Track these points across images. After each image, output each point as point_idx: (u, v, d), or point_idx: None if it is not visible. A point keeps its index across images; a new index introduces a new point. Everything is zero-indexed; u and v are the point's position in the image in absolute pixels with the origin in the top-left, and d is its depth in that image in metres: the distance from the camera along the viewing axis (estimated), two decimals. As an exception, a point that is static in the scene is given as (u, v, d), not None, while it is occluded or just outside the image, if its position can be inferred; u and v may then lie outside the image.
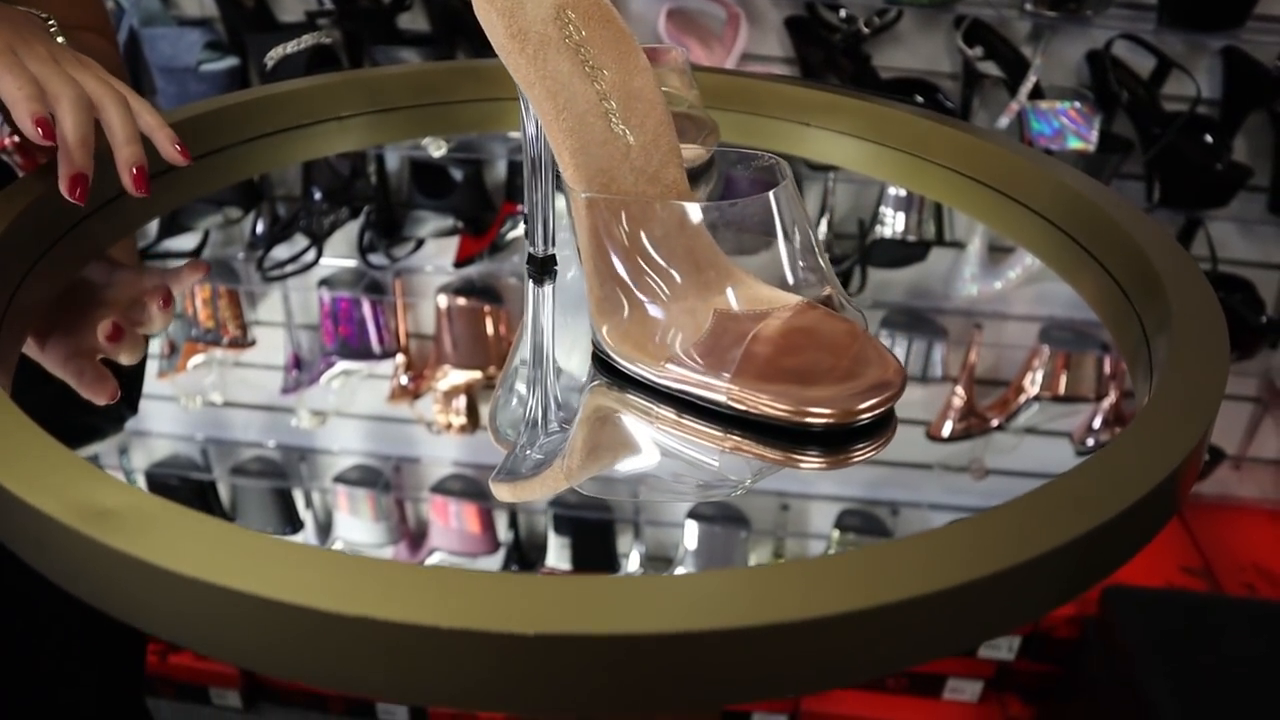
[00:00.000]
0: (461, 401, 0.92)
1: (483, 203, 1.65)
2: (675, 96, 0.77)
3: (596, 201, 0.56)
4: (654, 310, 0.55)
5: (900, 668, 0.38)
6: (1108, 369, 0.78)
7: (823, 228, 1.43)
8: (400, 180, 1.01)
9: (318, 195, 0.98)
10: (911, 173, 0.84)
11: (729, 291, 0.56)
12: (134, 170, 0.60)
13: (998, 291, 0.77)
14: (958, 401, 0.78)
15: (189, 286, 0.75)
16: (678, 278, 0.56)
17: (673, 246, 0.56)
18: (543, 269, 0.71)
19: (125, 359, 0.58)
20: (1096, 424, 0.76)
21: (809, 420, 0.51)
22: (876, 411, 0.51)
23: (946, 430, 0.76)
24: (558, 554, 0.88)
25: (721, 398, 0.52)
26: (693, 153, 0.74)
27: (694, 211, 0.56)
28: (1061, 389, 0.82)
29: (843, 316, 0.56)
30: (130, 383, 0.62)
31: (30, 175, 0.63)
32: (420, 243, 1.69)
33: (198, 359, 0.81)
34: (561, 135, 0.58)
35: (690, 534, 0.79)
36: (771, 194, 0.55)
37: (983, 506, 0.49)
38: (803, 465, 0.52)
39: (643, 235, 0.56)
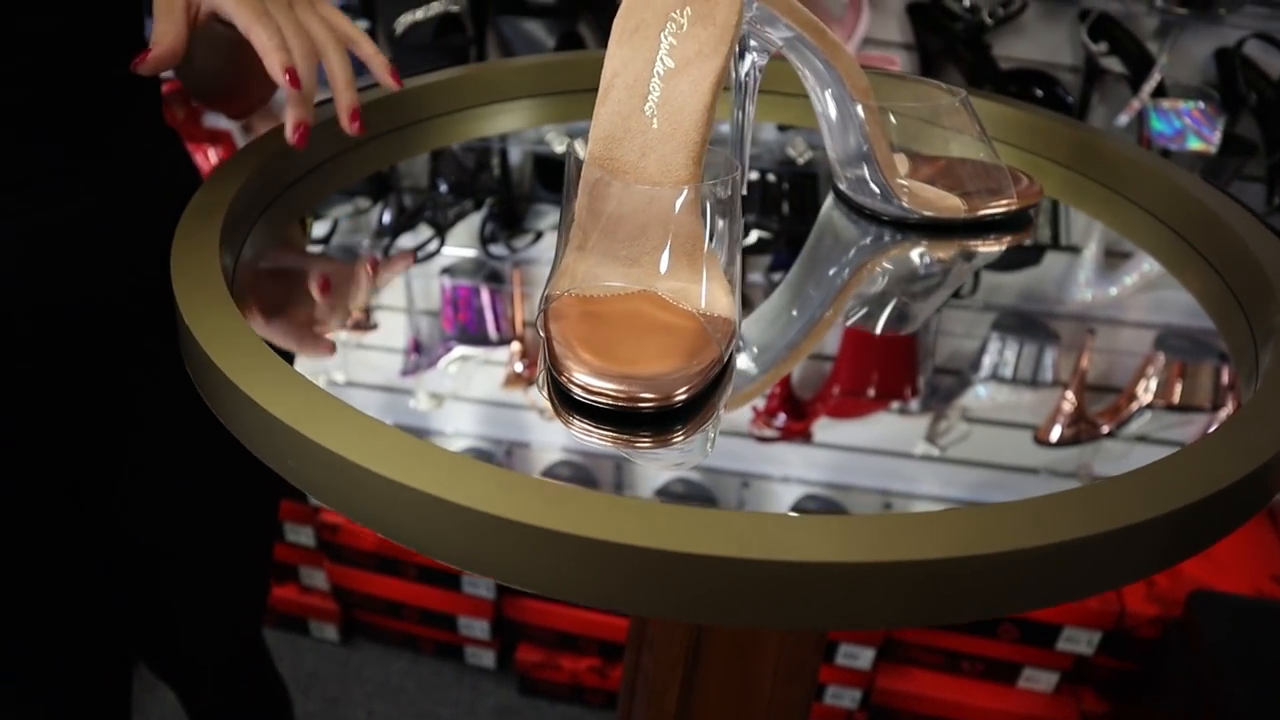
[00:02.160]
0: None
1: None
2: (965, 142, 0.79)
3: (570, 153, 0.63)
4: (569, 267, 0.60)
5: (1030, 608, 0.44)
6: (1225, 379, 0.78)
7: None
8: (522, 174, 1.04)
9: (443, 187, 1.03)
10: (1029, 170, 0.85)
11: (646, 280, 0.58)
12: (350, 112, 0.68)
13: (1112, 297, 0.77)
14: (1067, 406, 0.79)
15: (400, 274, 0.81)
16: (607, 251, 0.59)
17: (620, 222, 0.59)
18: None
19: (334, 325, 0.65)
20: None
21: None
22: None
23: (1055, 435, 0.77)
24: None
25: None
26: (948, 204, 0.78)
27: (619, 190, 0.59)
28: (1176, 397, 0.82)
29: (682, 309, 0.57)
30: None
31: (245, 149, 0.72)
32: (539, 235, 1.74)
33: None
34: (601, 94, 0.63)
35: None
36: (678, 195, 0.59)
37: None
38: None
39: (596, 203, 0.59)
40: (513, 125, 0.94)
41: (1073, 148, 0.87)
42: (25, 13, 0.71)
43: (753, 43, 0.71)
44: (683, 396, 0.52)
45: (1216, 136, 1.54)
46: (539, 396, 0.60)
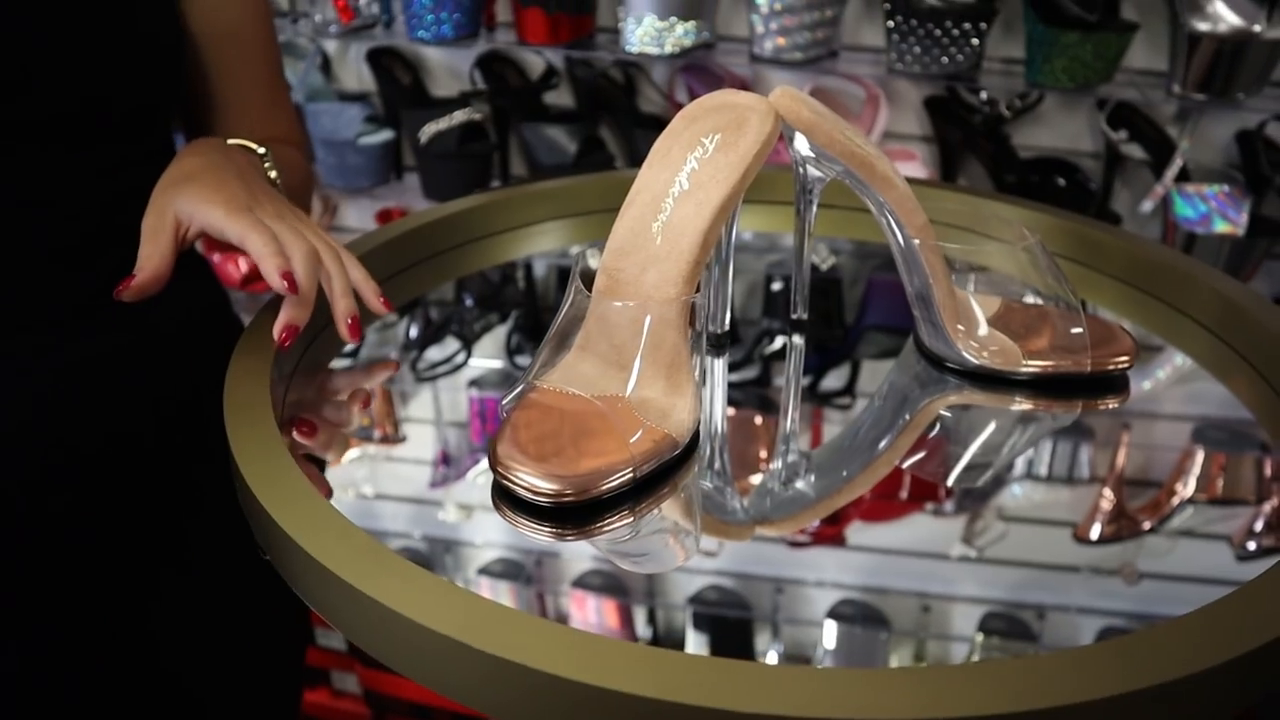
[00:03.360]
0: (663, 536, 0.94)
1: None
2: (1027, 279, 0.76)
3: (579, 260, 0.67)
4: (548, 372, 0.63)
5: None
6: (1268, 470, 0.76)
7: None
8: (547, 286, 1.05)
9: (469, 301, 1.04)
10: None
11: (619, 386, 0.62)
12: (349, 320, 0.66)
13: (1147, 391, 0.76)
14: (1106, 504, 0.77)
15: (381, 383, 0.81)
16: (600, 355, 0.63)
17: (614, 331, 0.63)
18: (718, 344, 0.78)
19: (333, 457, 0.64)
20: (1258, 527, 0.75)
21: None
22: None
23: (1095, 533, 0.76)
24: (696, 651, 0.89)
25: None
26: (1010, 359, 0.73)
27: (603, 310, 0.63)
28: (1218, 491, 0.80)
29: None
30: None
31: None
32: (421, 300, 1.76)
33: (353, 453, 0.86)
34: (623, 208, 0.67)
35: (830, 634, 0.80)
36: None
37: (1136, 612, 0.49)
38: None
39: (597, 310, 0.64)
40: (544, 247, 0.95)
41: (1092, 247, 0.87)
42: (73, 149, 0.73)
43: (812, 171, 0.72)
44: (570, 497, 0.56)
45: (1243, 218, 1.53)
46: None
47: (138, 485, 0.83)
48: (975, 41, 1.48)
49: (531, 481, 0.56)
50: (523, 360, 1.10)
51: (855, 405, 0.96)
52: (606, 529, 0.58)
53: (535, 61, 1.74)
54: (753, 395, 1.20)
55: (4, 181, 0.72)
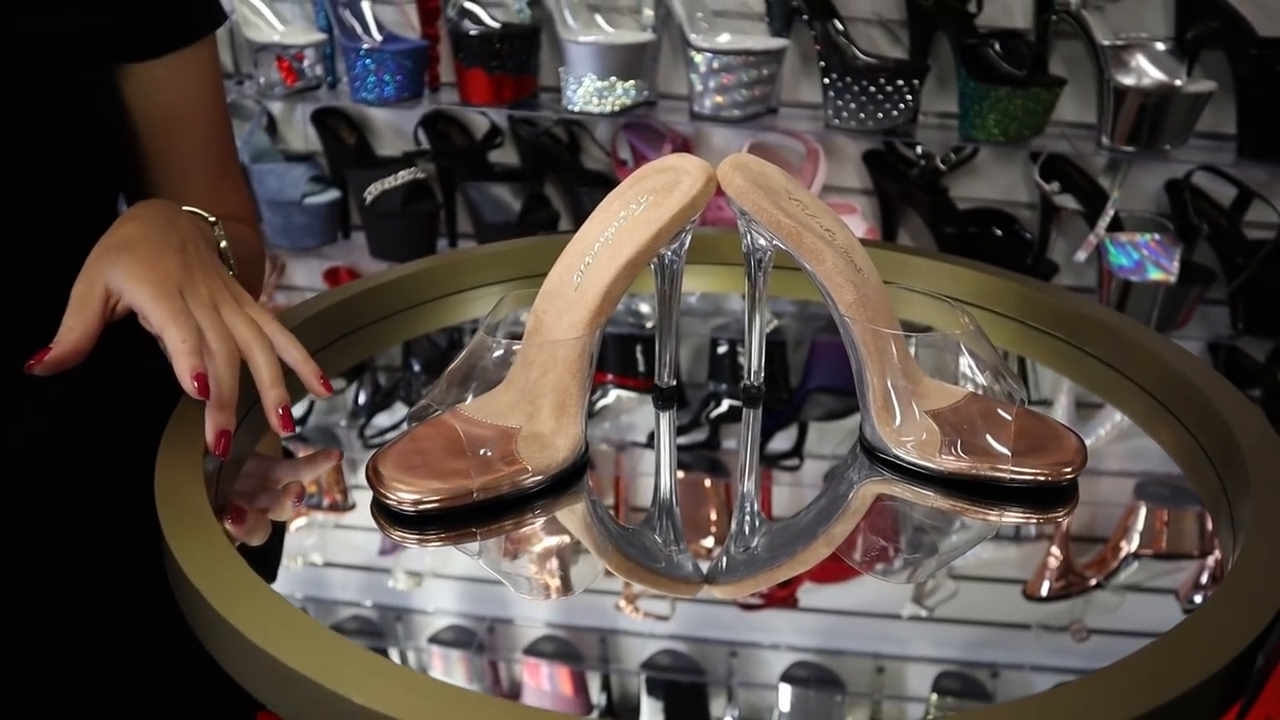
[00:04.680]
0: (554, 563, 0.95)
1: None
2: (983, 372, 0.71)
3: (501, 306, 0.71)
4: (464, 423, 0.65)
5: None
6: (1209, 525, 0.78)
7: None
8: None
9: (416, 367, 1.04)
10: (995, 332, 0.87)
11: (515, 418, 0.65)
12: (280, 411, 0.64)
13: (1088, 448, 0.78)
14: (1053, 561, 0.79)
15: (321, 474, 0.80)
16: (506, 391, 0.67)
17: (520, 371, 0.67)
18: (664, 399, 0.78)
19: (255, 541, 0.62)
20: (1203, 580, 0.77)
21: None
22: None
23: (1044, 590, 0.77)
24: (650, 717, 0.89)
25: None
26: (938, 461, 0.68)
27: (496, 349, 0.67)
28: (1163, 545, 0.82)
29: None
30: (269, 554, 0.66)
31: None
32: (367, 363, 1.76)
33: (301, 522, 0.86)
34: (560, 255, 0.69)
35: (785, 697, 0.80)
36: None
37: (1088, 668, 0.51)
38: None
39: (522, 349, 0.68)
40: (487, 310, 0.95)
41: (1031, 306, 0.89)
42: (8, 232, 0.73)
43: (755, 239, 0.73)
44: (423, 506, 0.61)
45: (1175, 265, 1.57)
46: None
47: (72, 570, 0.81)
48: (909, 98, 1.51)
49: (389, 489, 0.61)
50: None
51: (803, 467, 0.97)
52: (458, 539, 0.63)
53: (479, 120, 1.75)
54: (702, 459, 1.22)
55: None
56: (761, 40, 1.55)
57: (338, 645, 0.47)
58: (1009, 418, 0.66)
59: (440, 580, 0.88)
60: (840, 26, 1.52)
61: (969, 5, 1.53)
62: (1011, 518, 0.68)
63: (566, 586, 0.67)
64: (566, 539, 0.67)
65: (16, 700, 0.79)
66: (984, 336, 0.70)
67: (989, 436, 0.66)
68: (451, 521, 0.63)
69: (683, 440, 0.94)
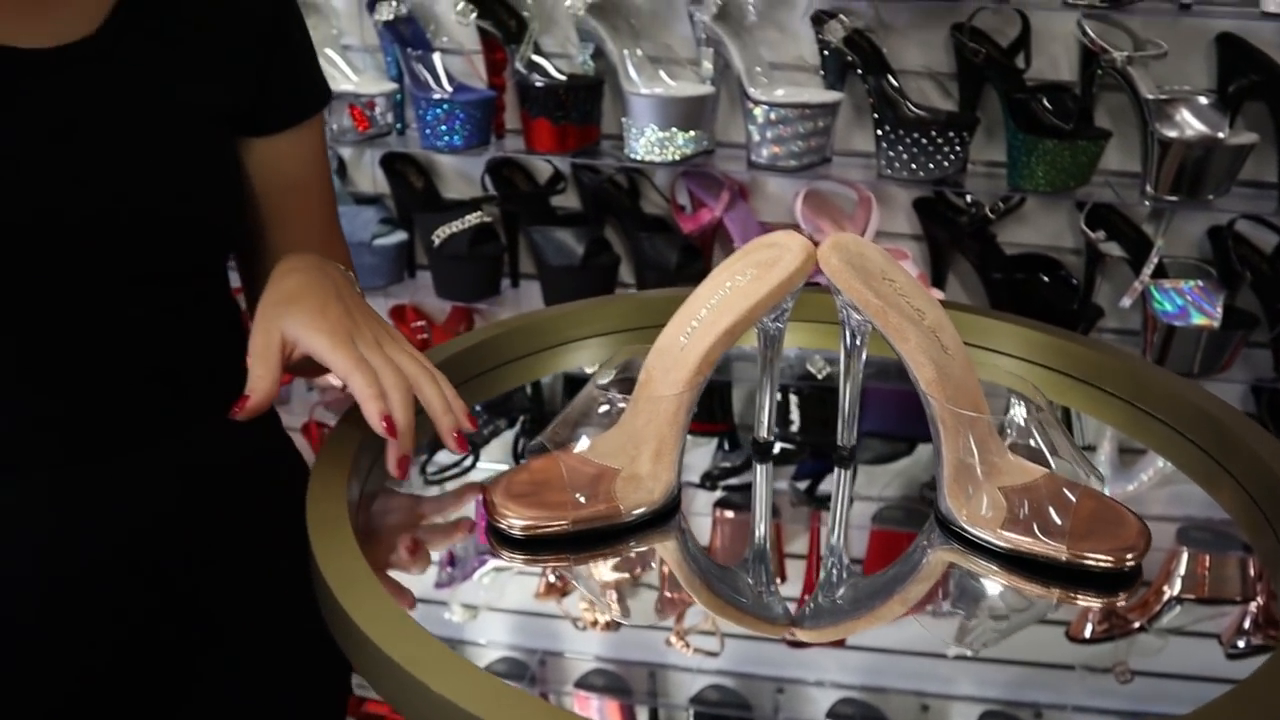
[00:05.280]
0: (610, 598, 1.01)
1: None
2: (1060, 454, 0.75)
3: (615, 358, 0.79)
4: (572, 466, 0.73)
5: None
6: (1251, 570, 0.83)
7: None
8: (553, 392, 1.11)
9: (477, 406, 1.10)
10: (1045, 385, 0.91)
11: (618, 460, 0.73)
12: (455, 435, 0.72)
13: (1130, 493, 0.82)
14: (1097, 603, 0.83)
15: (472, 503, 0.87)
16: (617, 434, 0.74)
17: (629, 417, 0.74)
18: (762, 452, 0.85)
19: (416, 571, 0.71)
20: (1246, 625, 0.81)
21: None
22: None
23: (1087, 631, 0.81)
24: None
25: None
26: (998, 536, 0.72)
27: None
28: (1205, 590, 0.86)
29: None
30: None
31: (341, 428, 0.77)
32: (475, 407, 1.83)
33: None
34: (674, 315, 0.77)
35: (830, 735, 0.85)
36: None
37: (1131, 710, 0.55)
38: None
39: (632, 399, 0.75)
40: (581, 362, 1.01)
41: (1083, 363, 0.94)
42: (136, 302, 0.80)
43: (852, 312, 0.77)
44: (527, 531, 0.70)
45: (1218, 311, 1.61)
46: (572, 606, 0.76)
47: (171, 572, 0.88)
48: (959, 149, 1.57)
49: (499, 514, 0.70)
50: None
51: (853, 507, 1.02)
52: (557, 564, 0.73)
53: (543, 166, 1.83)
54: (748, 498, 1.26)
55: (73, 322, 0.77)
56: (817, 93, 1.61)
57: (484, 678, 0.54)
58: (1074, 499, 0.70)
59: (495, 614, 0.92)
60: (893, 81, 1.59)
61: (1017, 60, 1.59)
62: (1071, 599, 0.71)
63: (643, 615, 0.74)
64: (658, 571, 0.73)
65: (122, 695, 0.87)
66: (1057, 418, 0.75)
67: (1054, 517, 0.69)
68: (553, 548, 0.71)
69: (734, 481, 0.99)
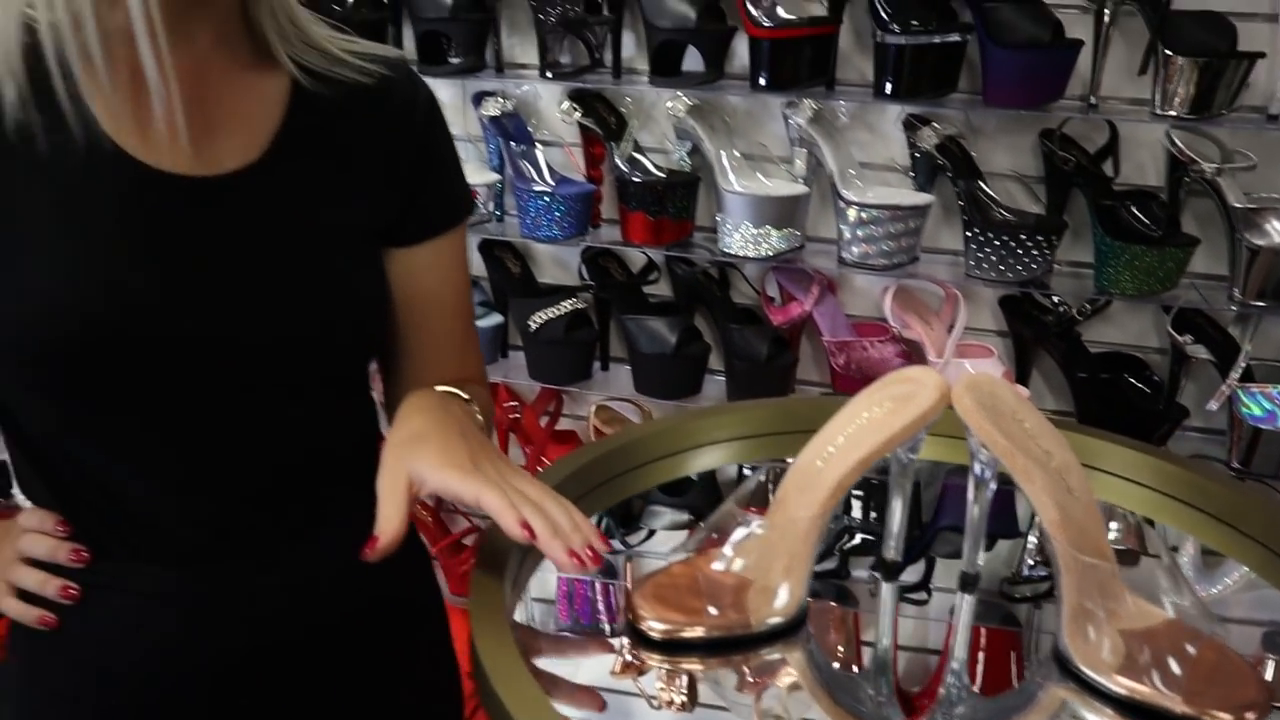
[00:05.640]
0: (683, 680, 1.06)
1: (716, 502, 1.80)
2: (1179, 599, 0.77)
3: (754, 477, 0.84)
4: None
5: None
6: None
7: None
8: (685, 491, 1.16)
9: (603, 518, 1.15)
10: (1124, 496, 0.94)
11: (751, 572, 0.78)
12: (589, 551, 0.73)
13: (1215, 597, 0.84)
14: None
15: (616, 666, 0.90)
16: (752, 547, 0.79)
17: (770, 543, 0.79)
18: (889, 571, 0.89)
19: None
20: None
21: None
22: None
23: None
24: None
25: None
26: (1115, 682, 0.73)
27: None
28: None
29: None
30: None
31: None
32: (652, 532, 1.88)
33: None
34: (813, 438, 0.82)
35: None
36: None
37: None
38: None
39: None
40: (711, 464, 1.05)
41: (1167, 478, 0.95)
42: (283, 409, 0.86)
43: (985, 450, 0.80)
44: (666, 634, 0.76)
45: (1306, 416, 1.62)
46: (649, 685, 0.83)
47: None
48: (1047, 251, 1.60)
49: (639, 616, 0.76)
50: (612, 544, 1.19)
51: (931, 600, 1.05)
52: (685, 664, 0.79)
53: (636, 255, 1.89)
54: (831, 586, 1.30)
55: (226, 429, 0.84)
56: (909, 195, 1.66)
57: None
58: (1195, 650, 0.71)
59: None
60: (983, 185, 1.63)
61: (1105, 167, 1.63)
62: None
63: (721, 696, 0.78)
64: (785, 678, 0.77)
65: None
66: (1178, 566, 0.78)
67: (1174, 667, 0.70)
68: (689, 650, 0.76)
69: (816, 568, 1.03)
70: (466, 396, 0.87)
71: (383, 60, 0.90)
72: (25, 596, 0.89)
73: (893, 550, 0.87)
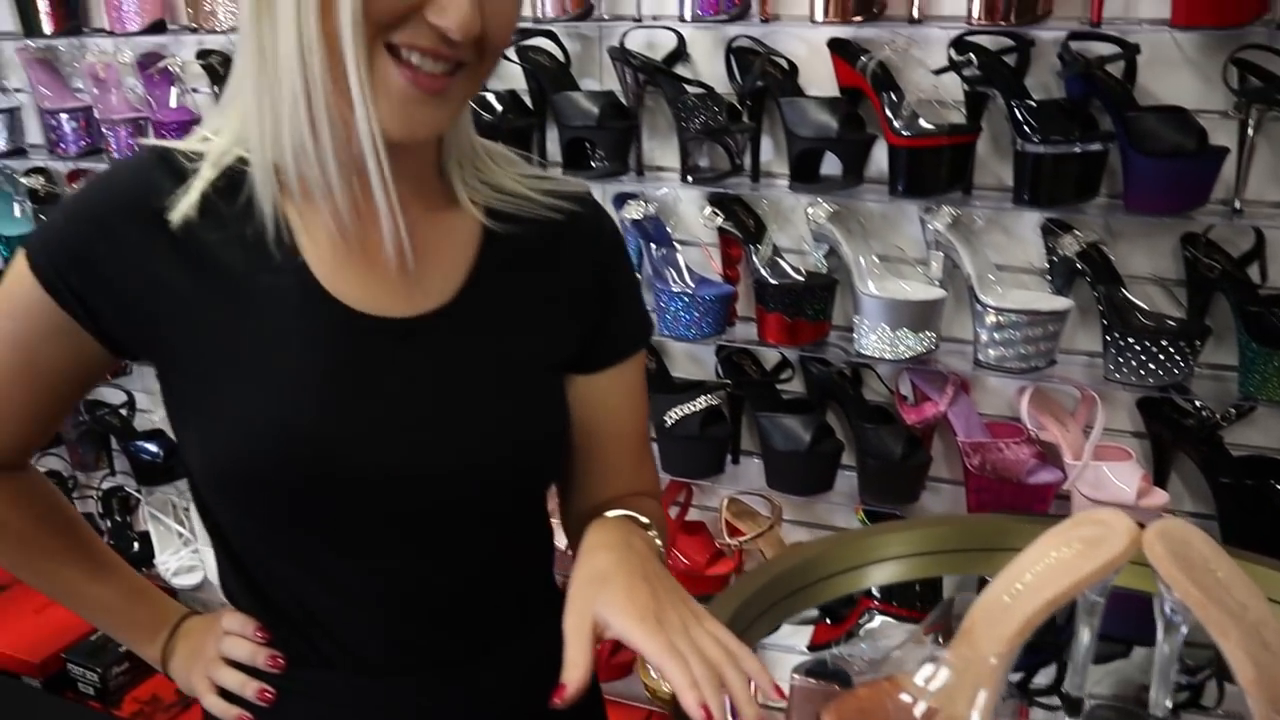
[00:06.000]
0: None
1: (847, 600, 1.83)
2: None
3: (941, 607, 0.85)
4: None
5: None
6: None
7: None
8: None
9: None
10: None
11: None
12: None
13: None
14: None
15: None
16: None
17: (956, 673, 0.80)
18: (1073, 708, 0.89)
19: None
20: None
21: None
22: None
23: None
24: None
25: None
26: None
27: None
28: None
29: None
30: None
31: None
32: (778, 626, 1.90)
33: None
34: (1001, 572, 0.83)
35: None
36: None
37: None
38: None
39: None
40: (890, 578, 1.06)
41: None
42: (475, 529, 0.91)
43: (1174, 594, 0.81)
44: None
45: None
46: None
47: None
48: (1189, 356, 1.60)
49: None
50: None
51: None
52: None
53: (770, 352, 1.93)
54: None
55: (412, 550, 0.89)
56: (1048, 300, 1.67)
57: None
58: None
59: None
60: (1123, 290, 1.63)
61: (1250, 271, 1.62)
62: None
63: None
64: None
65: None
66: None
67: None
68: None
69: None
70: (645, 520, 0.90)
71: (569, 195, 0.95)
72: (225, 695, 0.95)
73: (1077, 686, 0.88)
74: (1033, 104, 1.56)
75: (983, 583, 1.83)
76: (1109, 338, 1.63)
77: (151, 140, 1.06)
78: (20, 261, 0.84)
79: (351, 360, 0.85)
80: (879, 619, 1.90)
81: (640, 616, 0.76)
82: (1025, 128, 1.56)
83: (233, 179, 0.83)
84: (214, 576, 2.45)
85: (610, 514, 0.90)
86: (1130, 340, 1.61)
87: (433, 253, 0.88)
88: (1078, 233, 1.64)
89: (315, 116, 0.77)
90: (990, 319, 1.64)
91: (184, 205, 0.82)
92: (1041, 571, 0.80)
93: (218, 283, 0.83)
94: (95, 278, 0.83)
